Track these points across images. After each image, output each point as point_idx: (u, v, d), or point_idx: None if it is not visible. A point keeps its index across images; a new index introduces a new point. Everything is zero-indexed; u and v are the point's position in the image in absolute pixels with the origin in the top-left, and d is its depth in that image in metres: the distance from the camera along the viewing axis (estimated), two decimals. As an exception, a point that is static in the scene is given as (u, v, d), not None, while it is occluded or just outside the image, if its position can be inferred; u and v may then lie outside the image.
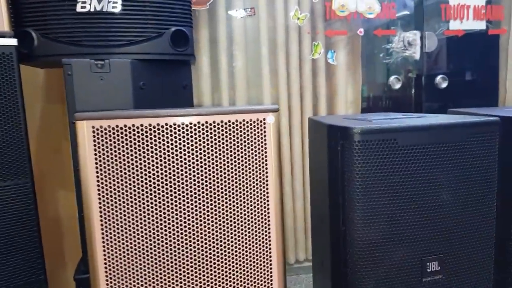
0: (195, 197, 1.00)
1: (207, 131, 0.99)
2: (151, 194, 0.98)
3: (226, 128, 1.00)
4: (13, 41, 1.27)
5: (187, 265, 1.03)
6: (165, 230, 1.00)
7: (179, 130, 0.97)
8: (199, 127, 0.98)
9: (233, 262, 1.05)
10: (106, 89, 1.33)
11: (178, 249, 1.01)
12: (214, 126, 0.99)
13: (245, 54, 2.03)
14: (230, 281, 1.06)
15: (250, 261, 1.07)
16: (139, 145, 0.96)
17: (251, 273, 1.08)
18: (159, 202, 0.99)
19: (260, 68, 2.03)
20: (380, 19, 2.10)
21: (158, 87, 1.45)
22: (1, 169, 1.25)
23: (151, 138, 0.96)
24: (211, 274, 1.04)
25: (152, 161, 0.97)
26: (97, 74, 1.32)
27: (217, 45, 1.98)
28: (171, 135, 0.97)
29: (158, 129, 0.96)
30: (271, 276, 1.09)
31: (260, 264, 1.08)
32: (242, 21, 2.00)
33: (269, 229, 1.06)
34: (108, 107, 1.32)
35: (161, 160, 0.97)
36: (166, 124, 0.95)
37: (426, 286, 1.08)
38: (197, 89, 2.01)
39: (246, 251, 1.06)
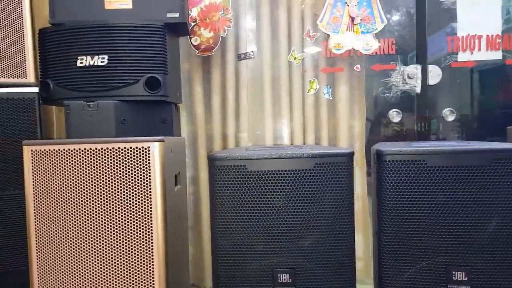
0: (89, 214, 1.31)
1: (97, 157, 1.30)
2: (65, 205, 1.32)
3: (113, 154, 1.29)
4: (36, 89, 1.78)
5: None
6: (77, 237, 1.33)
7: (81, 154, 1.31)
8: (91, 153, 1.31)
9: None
10: (94, 123, 1.74)
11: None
12: (102, 152, 1.30)
13: (250, 90, 2.30)
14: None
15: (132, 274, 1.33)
16: (57, 165, 1.31)
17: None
18: (70, 211, 1.32)
19: (263, 102, 2.27)
20: (378, 55, 2.17)
21: (138, 122, 1.81)
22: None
23: (60, 161, 1.31)
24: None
25: (65, 178, 1.32)
26: (88, 112, 1.74)
27: (226, 84, 2.30)
28: (71, 158, 1.31)
29: (60, 153, 1.31)
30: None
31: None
32: (245, 62, 2.28)
33: (151, 240, 1.31)
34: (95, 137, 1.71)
35: (69, 179, 1.32)
36: (69, 149, 1.30)
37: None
38: (209, 121, 2.34)
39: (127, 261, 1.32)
